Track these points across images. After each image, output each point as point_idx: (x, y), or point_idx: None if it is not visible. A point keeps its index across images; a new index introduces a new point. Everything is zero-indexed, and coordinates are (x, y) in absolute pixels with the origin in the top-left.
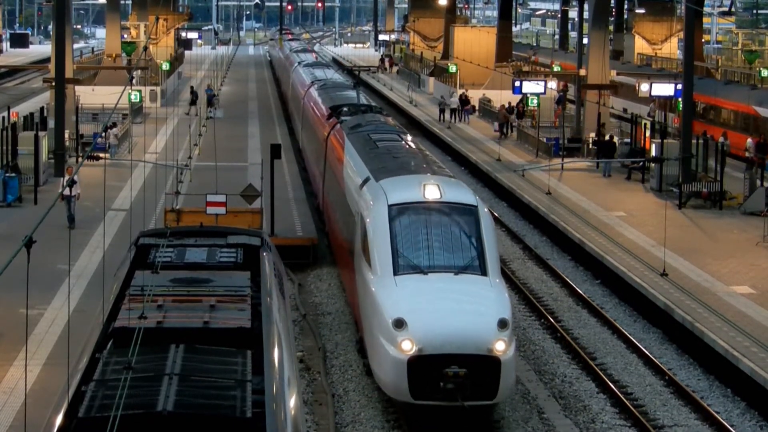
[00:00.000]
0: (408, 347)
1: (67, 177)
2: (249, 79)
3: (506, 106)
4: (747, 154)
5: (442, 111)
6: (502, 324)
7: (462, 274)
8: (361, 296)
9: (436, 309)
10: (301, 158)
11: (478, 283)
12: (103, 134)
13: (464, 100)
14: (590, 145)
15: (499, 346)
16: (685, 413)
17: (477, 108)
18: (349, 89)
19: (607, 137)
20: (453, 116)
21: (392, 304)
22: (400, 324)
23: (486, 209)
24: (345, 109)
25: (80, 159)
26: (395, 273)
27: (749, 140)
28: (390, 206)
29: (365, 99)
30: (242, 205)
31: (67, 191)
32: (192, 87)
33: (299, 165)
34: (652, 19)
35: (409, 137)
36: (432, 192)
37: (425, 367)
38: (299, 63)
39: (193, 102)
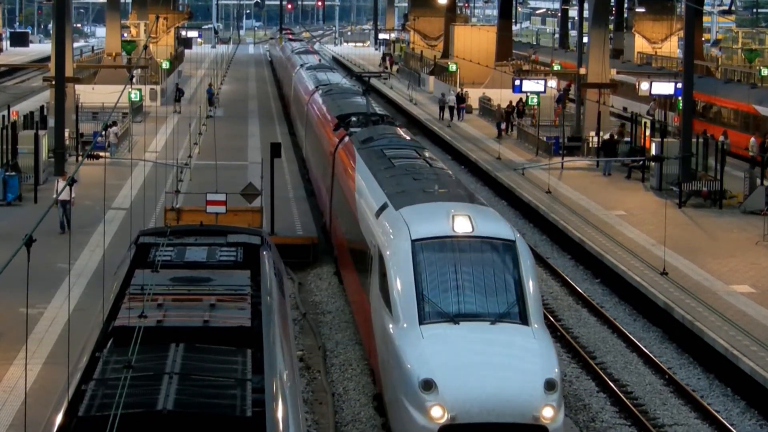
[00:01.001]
0: (438, 414)
1: (62, 182)
2: (249, 78)
3: (509, 104)
4: (750, 154)
5: (441, 109)
6: (550, 385)
7: (500, 323)
8: (380, 347)
9: (471, 367)
10: (303, 161)
11: (520, 334)
12: (103, 133)
13: (460, 98)
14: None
15: (547, 413)
16: (685, 412)
17: (474, 107)
18: (356, 95)
19: (607, 136)
20: (450, 114)
21: (419, 360)
22: (428, 386)
23: (525, 244)
24: (354, 119)
25: (80, 158)
26: (421, 322)
27: (752, 139)
28: (414, 241)
29: (376, 107)
30: (242, 204)
31: (62, 196)
32: (177, 84)
33: (299, 164)
34: (652, 17)
35: (427, 153)
36: (462, 224)
37: None
38: (302, 65)
39: (178, 99)
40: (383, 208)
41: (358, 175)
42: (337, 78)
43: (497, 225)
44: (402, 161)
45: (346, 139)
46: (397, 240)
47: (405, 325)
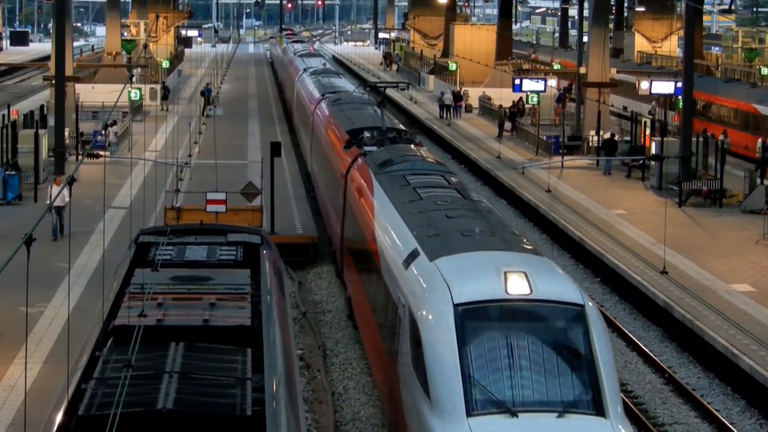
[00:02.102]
0: None
1: (55, 188)
2: (249, 77)
3: (513, 104)
4: (757, 155)
5: (441, 108)
6: None
7: (569, 415)
8: None
9: None
10: (306, 172)
11: (595, 429)
12: (103, 132)
13: (457, 97)
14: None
15: None
16: (685, 411)
17: (474, 106)
18: (367, 106)
19: (607, 135)
20: (448, 112)
21: None
22: None
23: (596, 309)
24: (367, 134)
25: (80, 157)
26: (469, 413)
27: (759, 141)
28: (457, 307)
29: (391, 121)
30: (242, 203)
31: (57, 202)
32: (164, 82)
33: (299, 164)
34: (652, 17)
35: (456, 178)
36: (518, 284)
37: None
38: (305, 70)
39: (165, 97)
40: (413, 255)
41: (377, 207)
42: (344, 85)
43: (561, 284)
44: (430, 192)
45: (360, 160)
46: (436, 304)
47: (448, 417)
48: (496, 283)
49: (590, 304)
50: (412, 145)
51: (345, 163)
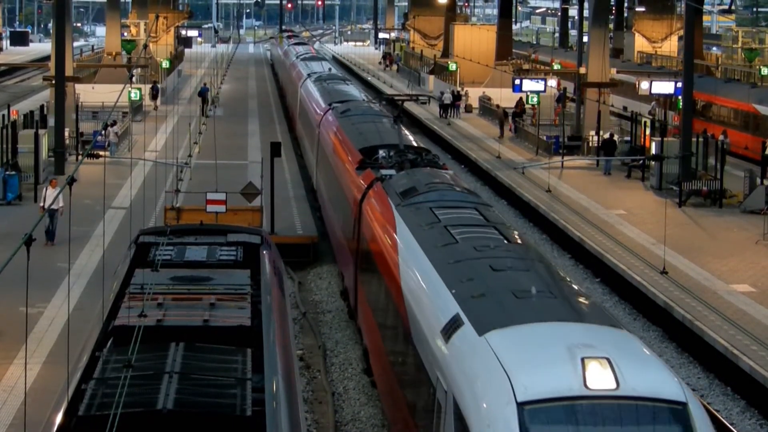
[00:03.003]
0: None
1: (50, 190)
2: (249, 77)
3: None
4: None
5: (442, 107)
6: None
7: None
8: None
9: None
10: (310, 185)
11: None
12: (103, 132)
13: (456, 96)
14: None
15: None
16: None
17: (474, 106)
18: (381, 118)
19: (607, 135)
20: (447, 112)
21: None
22: None
23: (700, 406)
24: (383, 153)
25: (80, 157)
26: None
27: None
28: (522, 407)
29: (410, 139)
30: (242, 203)
31: (51, 205)
32: (154, 82)
33: (299, 164)
34: (652, 17)
35: (494, 213)
36: (601, 376)
37: None
38: (309, 75)
39: (155, 96)
40: (455, 324)
41: (402, 249)
42: (353, 93)
43: (657, 375)
44: (466, 232)
45: (377, 186)
46: (494, 401)
47: None
48: (571, 374)
49: (694, 401)
50: (436, 168)
51: (358, 188)
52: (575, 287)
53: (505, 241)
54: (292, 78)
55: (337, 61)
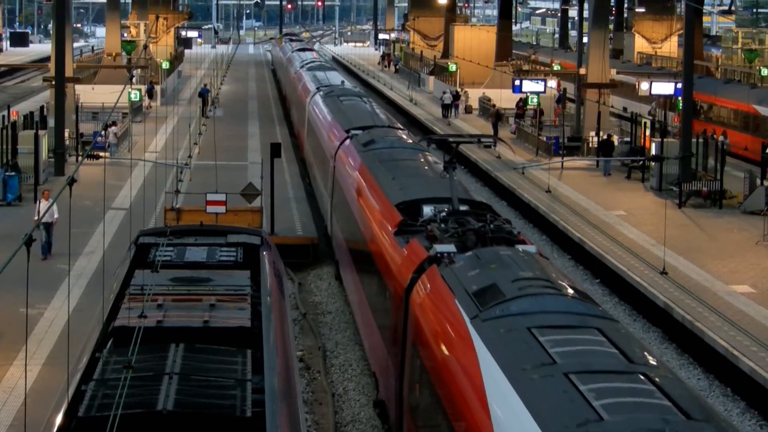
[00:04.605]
0: None
1: (43, 202)
2: (249, 78)
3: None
4: None
5: (443, 107)
6: None
7: None
8: None
9: None
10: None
11: None
12: (103, 133)
13: (456, 96)
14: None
15: None
16: None
17: (474, 107)
18: (417, 154)
19: (605, 136)
20: (447, 112)
21: None
22: None
23: None
24: (429, 211)
25: (80, 158)
26: None
27: None
28: None
29: (464, 190)
30: (242, 204)
31: (45, 218)
32: (150, 81)
33: (299, 164)
34: (652, 17)
35: (620, 328)
36: None
37: None
38: (319, 90)
39: (150, 96)
40: None
41: (492, 393)
42: (376, 115)
43: None
44: (588, 375)
45: (434, 274)
46: None
47: None
48: None
49: None
50: (520, 247)
51: (402, 271)
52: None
53: (644, 379)
54: (297, 91)
55: (337, 61)
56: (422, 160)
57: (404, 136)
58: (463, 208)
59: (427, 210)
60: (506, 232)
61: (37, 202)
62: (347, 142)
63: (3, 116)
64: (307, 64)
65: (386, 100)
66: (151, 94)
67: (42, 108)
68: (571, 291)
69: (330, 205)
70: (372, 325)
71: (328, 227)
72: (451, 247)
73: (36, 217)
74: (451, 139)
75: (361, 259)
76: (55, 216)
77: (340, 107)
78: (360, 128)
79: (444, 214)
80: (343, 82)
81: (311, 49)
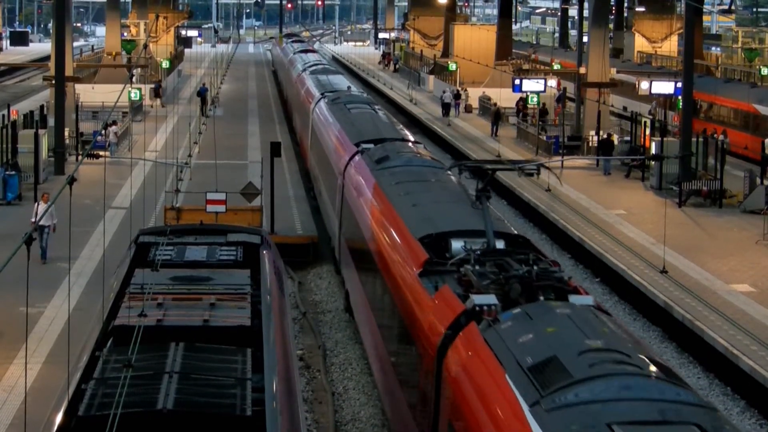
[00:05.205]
0: None
1: (41, 204)
2: (249, 77)
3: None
4: None
5: (443, 106)
6: None
7: None
8: None
9: None
10: (317, 209)
11: None
12: (103, 132)
13: (456, 95)
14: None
15: None
16: None
17: (474, 106)
18: (438, 172)
19: (605, 135)
20: (447, 111)
21: None
22: None
23: None
24: (459, 247)
25: (80, 157)
26: None
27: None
28: None
29: (498, 217)
30: (242, 203)
31: (43, 221)
32: (158, 81)
33: (299, 164)
34: (652, 17)
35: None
36: None
37: None
38: (324, 96)
39: (158, 95)
40: None
41: None
42: (388, 126)
43: None
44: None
45: (474, 336)
46: None
47: None
48: None
49: None
50: (577, 301)
51: (432, 325)
52: None
53: None
54: (300, 96)
55: (337, 61)
56: (445, 181)
57: (421, 152)
58: (498, 243)
59: (456, 245)
60: (556, 279)
61: (36, 204)
62: (357, 157)
63: (3, 115)
64: (310, 66)
65: (386, 100)
66: (158, 93)
67: (42, 107)
68: (654, 368)
69: (338, 228)
70: (392, 381)
71: (336, 250)
72: (491, 299)
73: (33, 219)
74: (487, 167)
75: (378, 299)
76: (54, 221)
77: (347, 117)
78: (371, 141)
79: (478, 252)
80: (349, 87)
81: (314, 51)
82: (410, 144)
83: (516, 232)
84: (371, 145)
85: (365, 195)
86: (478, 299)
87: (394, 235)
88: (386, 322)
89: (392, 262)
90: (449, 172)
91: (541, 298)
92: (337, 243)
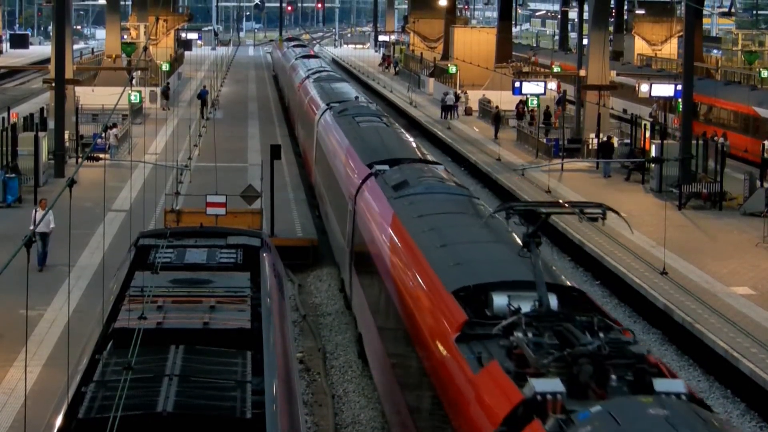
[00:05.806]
0: None
1: (40, 210)
2: (249, 79)
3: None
4: None
5: (443, 109)
6: None
7: None
8: None
9: None
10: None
11: None
12: (103, 135)
13: (457, 97)
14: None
15: None
16: None
17: (474, 109)
18: (464, 201)
19: (605, 138)
20: (447, 113)
21: None
22: None
23: None
24: (502, 304)
25: (80, 160)
26: None
27: None
28: None
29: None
30: (242, 205)
31: (40, 227)
32: (167, 83)
33: (299, 165)
34: (652, 19)
35: None
36: None
37: None
38: (329, 106)
39: (166, 96)
40: None
41: None
42: (403, 143)
43: None
44: None
45: (535, 428)
46: None
47: None
48: None
49: None
50: (671, 393)
51: (480, 413)
52: None
53: None
54: (304, 106)
55: (336, 63)
56: (476, 215)
57: (444, 175)
58: (563, 310)
59: (499, 302)
60: (634, 356)
61: (34, 210)
62: (371, 181)
63: (3, 118)
64: (313, 73)
65: (386, 102)
66: (167, 95)
67: (42, 110)
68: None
69: (349, 261)
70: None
71: (346, 284)
72: (557, 385)
73: (32, 227)
74: (541, 210)
75: (402, 362)
76: (51, 225)
77: (358, 132)
78: (386, 162)
79: (531, 313)
80: (357, 97)
81: (317, 56)
82: (429, 165)
83: (570, 283)
84: (386, 167)
85: (382, 228)
86: (539, 385)
87: (421, 283)
88: (414, 395)
89: (421, 319)
90: (478, 201)
91: (614, 381)
92: (348, 276)
